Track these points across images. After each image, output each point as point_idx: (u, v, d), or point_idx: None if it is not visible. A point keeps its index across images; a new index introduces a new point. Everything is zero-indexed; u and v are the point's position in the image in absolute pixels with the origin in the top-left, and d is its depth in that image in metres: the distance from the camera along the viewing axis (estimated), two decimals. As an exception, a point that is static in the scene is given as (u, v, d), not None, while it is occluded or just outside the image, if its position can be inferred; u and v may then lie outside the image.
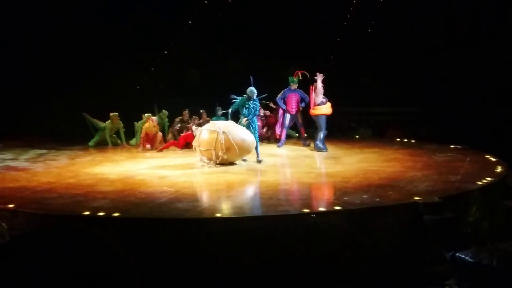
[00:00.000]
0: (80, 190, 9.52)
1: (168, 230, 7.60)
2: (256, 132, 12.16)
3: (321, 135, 13.76)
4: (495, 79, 18.11)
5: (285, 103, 14.71)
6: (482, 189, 9.46)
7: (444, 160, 12.29)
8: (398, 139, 15.69)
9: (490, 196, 9.62)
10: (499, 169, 11.00)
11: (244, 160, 12.17)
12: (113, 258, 2.44)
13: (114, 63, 19.56)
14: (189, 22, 22.52)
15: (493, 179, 10.06)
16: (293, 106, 14.65)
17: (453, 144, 14.05)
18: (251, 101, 12.12)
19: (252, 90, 12.14)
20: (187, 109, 15.53)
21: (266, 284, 7.48)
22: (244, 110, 12.09)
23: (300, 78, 14.62)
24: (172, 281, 7.29)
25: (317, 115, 13.92)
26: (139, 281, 2.45)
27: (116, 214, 7.80)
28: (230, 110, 12.21)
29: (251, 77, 12.25)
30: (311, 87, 14.02)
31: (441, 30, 20.47)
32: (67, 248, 2.40)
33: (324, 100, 13.87)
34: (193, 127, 14.25)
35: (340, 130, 18.29)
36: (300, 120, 14.85)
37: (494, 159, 12.03)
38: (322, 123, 13.81)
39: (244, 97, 12.13)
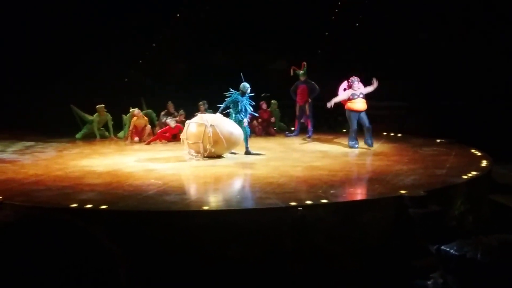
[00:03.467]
0: (67, 183, 9.53)
1: (156, 222, 7.64)
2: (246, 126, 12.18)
3: (350, 132, 13.35)
4: (481, 74, 18.20)
5: (296, 94, 15.29)
6: (467, 183, 9.56)
7: (430, 154, 12.39)
8: (385, 133, 15.77)
9: (475, 190, 9.71)
10: (484, 163, 11.11)
11: (233, 153, 12.21)
12: (98, 249, 2.47)
13: (102, 55, 19.49)
14: (177, 15, 22.48)
15: (478, 173, 10.16)
16: (299, 97, 15.20)
17: (439, 138, 14.15)
18: (244, 97, 12.15)
19: (245, 85, 12.17)
20: (170, 101, 15.57)
21: (253, 277, 7.52)
22: (239, 106, 12.06)
23: (301, 71, 15.10)
24: (159, 274, 7.32)
25: (346, 110, 13.45)
26: (124, 271, 2.48)
27: (103, 207, 7.82)
28: (222, 106, 12.20)
29: (241, 73, 12.25)
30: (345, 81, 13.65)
31: (429, 24, 20.54)
32: (50, 239, 2.43)
33: (352, 97, 13.14)
34: (168, 120, 14.37)
35: (327, 124, 18.33)
36: (307, 112, 15.11)
37: (480, 153, 12.14)
38: (351, 118, 13.21)
39: (238, 93, 12.14)
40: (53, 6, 19.35)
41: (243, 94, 12.14)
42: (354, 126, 13.16)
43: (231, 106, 12.16)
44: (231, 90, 12.18)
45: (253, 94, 12.43)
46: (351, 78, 13.30)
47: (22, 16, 19.06)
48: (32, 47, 18.88)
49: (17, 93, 18.05)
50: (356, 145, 13.17)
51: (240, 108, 12.05)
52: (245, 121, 12.22)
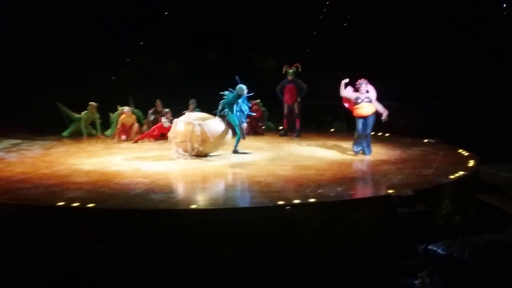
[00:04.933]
0: (54, 181, 9.49)
1: (143, 221, 7.60)
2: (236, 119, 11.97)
3: (355, 135, 12.25)
4: (470, 74, 18.28)
5: (283, 93, 15.14)
6: (454, 182, 9.60)
7: (417, 154, 12.41)
8: (373, 133, 15.75)
9: (462, 189, 9.76)
10: (471, 163, 11.15)
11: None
12: (84, 247, 2.45)
13: (90, 53, 19.41)
14: (166, 13, 22.44)
15: (465, 173, 10.21)
16: (288, 96, 15.06)
17: (426, 138, 14.18)
18: (241, 99, 11.96)
19: (242, 87, 11.91)
20: (158, 99, 15.53)
21: (241, 276, 7.51)
22: (234, 107, 11.84)
23: (290, 70, 14.94)
24: (147, 273, 7.30)
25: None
26: (109, 268, 2.46)
27: (90, 205, 7.79)
28: (220, 108, 12.00)
29: (236, 76, 12.01)
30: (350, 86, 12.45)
31: (419, 25, 20.61)
32: (36, 237, 2.40)
33: (356, 101, 11.96)
34: (163, 119, 14.32)
35: (315, 123, 18.35)
36: (296, 111, 15.14)
37: (467, 153, 12.18)
38: (357, 122, 12.08)
39: (234, 94, 11.89)
40: (42, 4, 19.27)
41: (239, 96, 11.92)
42: (358, 129, 12.05)
43: (226, 107, 11.98)
44: (228, 90, 11.96)
45: (252, 94, 12.33)
46: (359, 80, 12.17)
47: (12, 13, 18.95)
48: (20, 44, 18.77)
49: (3, 90, 17.93)
50: (358, 150, 12.12)
51: (235, 109, 11.88)
52: (245, 125, 12.15)
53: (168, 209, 7.77)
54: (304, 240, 7.78)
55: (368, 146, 12.19)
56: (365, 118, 11.98)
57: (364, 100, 11.98)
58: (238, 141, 12.13)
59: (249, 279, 7.52)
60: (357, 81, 12.19)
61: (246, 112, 12.20)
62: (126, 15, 20.28)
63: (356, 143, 12.18)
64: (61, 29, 19.44)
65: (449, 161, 11.39)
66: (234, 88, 11.95)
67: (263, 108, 16.23)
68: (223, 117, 12.04)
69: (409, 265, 7.71)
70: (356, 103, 11.99)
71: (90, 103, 15.15)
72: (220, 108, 12.06)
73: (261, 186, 9.02)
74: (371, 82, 12.32)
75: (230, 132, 11.98)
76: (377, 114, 12.09)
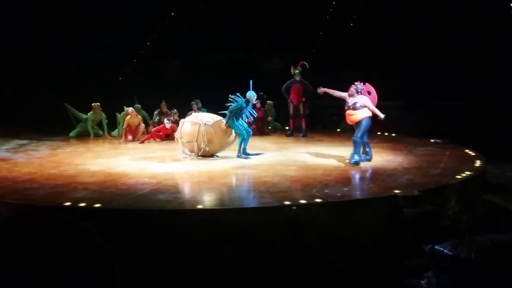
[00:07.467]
0: (61, 181, 9.51)
1: (149, 221, 7.62)
2: (241, 128, 11.75)
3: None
4: (475, 74, 18.24)
5: (289, 93, 15.18)
6: (461, 183, 9.58)
7: (424, 154, 12.38)
8: (379, 133, 15.76)
9: (469, 190, 9.74)
10: (478, 163, 11.13)
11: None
12: (91, 248, 2.46)
13: (96, 53, 19.45)
14: (172, 13, 22.48)
15: (472, 173, 10.18)
16: (294, 96, 15.10)
17: (433, 138, 14.15)
18: (249, 105, 11.76)
19: (252, 94, 11.71)
20: (163, 101, 15.53)
21: (246, 275, 7.52)
22: (242, 114, 11.66)
23: (296, 70, 14.88)
24: (153, 273, 7.31)
25: None
26: (117, 269, 2.47)
27: (97, 205, 7.81)
28: (228, 113, 11.59)
29: (250, 81, 11.80)
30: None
31: (424, 24, 20.60)
32: (44, 237, 2.41)
33: (345, 106, 11.16)
34: (165, 120, 14.33)
35: (322, 123, 18.34)
36: (302, 111, 15.16)
37: (474, 153, 12.15)
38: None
39: (244, 100, 11.65)
40: (48, 5, 19.32)
41: (247, 102, 11.72)
42: (355, 137, 11.07)
43: (232, 114, 11.62)
44: (237, 95, 11.68)
45: (257, 101, 12.20)
46: (354, 84, 11.19)
47: (17, 14, 19.01)
48: (27, 44, 18.83)
49: (11, 90, 17.99)
50: (353, 160, 10.96)
51: (242, 116, 11.76)
52: (252, 127, 12.04)
53: (175, 209, 7.79)
54: (310, 240, 7.78)
55: (355, 153, 11.03)
56: (355, 124, 11.09)
57: (351, 106, 11.00)
58: (240, 144, 11.83)
59: (254, 278, 7.53)
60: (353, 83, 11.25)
61: (250, 119, 12.08)
62: (132, 16, 20.32)
63: (353, 152, 11.07)
64: (68, 29, 19.50)
65: (455, 161, 11.37)
66: (237, 88, 11.83)
67: (272, 109, 16.26)
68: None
69: (415, 265, 7.70)
70: (345, 109, 11.18)
71: (93, 104, 15.15)
72: (228, 115, 11.63)
73: (267, 186, 9.02)
74: (372, 84, 11.73)
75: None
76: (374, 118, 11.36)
